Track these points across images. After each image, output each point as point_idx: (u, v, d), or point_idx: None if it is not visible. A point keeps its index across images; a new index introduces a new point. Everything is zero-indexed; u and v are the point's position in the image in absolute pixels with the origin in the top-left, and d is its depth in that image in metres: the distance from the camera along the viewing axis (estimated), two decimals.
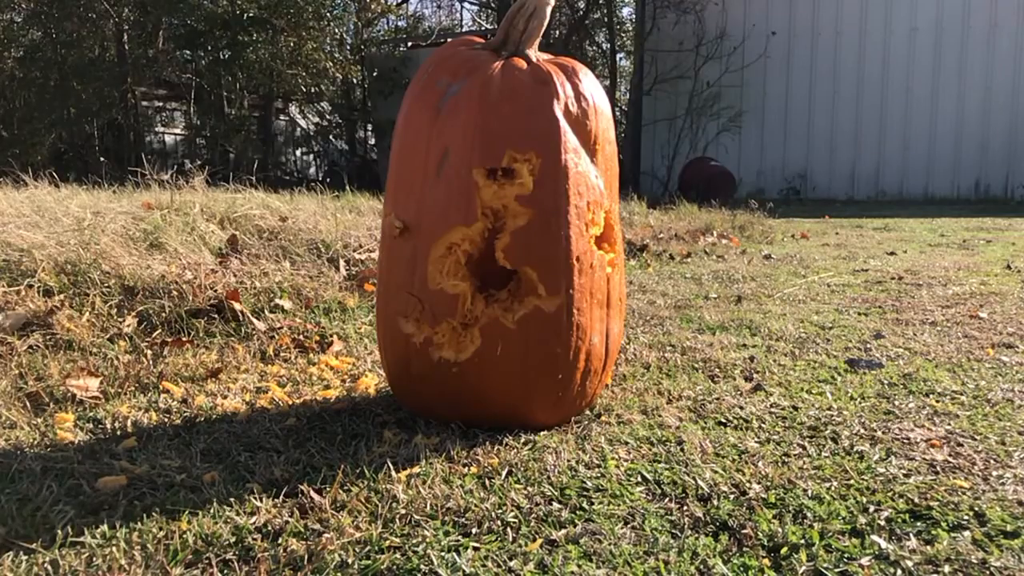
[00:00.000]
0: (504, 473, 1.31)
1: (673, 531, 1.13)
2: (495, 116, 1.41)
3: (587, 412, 1.64)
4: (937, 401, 1.74)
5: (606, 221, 1.53)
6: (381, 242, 1.57)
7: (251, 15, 11.63)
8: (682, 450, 1.43)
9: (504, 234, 1.40)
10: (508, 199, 1.40)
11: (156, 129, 13.42)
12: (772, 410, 1.68)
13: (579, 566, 1.03)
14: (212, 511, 1.16)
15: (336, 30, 12.58)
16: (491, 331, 1.42)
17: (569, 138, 1.44)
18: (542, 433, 1.51)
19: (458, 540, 1.09)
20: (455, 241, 1.41)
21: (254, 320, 2.34)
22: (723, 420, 1.61)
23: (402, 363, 1.52)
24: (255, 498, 1.20)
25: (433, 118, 1.45)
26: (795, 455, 1.41)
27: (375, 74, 14.30)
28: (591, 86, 1.52)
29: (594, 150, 1.50)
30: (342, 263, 3.18)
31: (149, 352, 2.04)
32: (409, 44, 15.68)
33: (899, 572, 1.02)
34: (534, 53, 1.54)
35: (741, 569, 1.03)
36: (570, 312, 1.43)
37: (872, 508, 1.19)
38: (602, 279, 1.50)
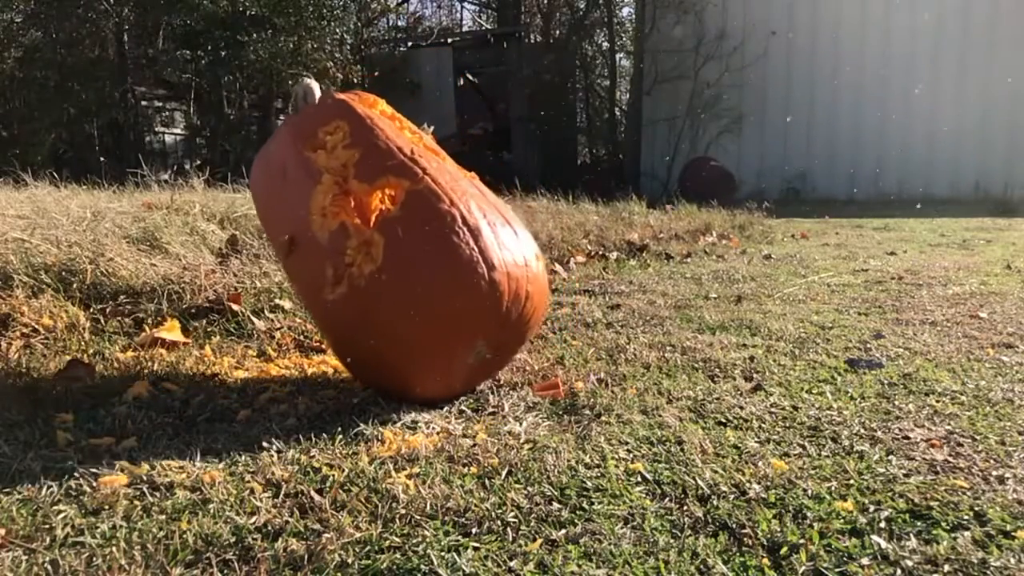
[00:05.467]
0: (504, 473, 1.31)
1: (673, 531, 1.13)
2: (301, 120, 1.87)
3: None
4: (937, 401, 1.74)
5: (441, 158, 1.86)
6: (283, 267, 1.94)
7: (251, 14, 11.60)
8: (682, 450, 1.43)
9: (350, 169, 1.71)
10: (339, 154, 1.74)
11: (156, 129, 13.40)
12: (772, 410, 1.68)
13: (579, 566, 1.03)
14: (212, 511, 1.16)
15: (336, 30, 12.55)
16: (386, 227, 1.62)
17: (363, 109, 1.84)
18: (535, 418, 1.51)
19: (458, 540, 1.09)
20: (323, 204, 1.67)
21: (254, 320, 2.34)
22: (723, 420, 1.61)
23: (341, 330, 1.70)
24: (255, 498, 1.20)
25: (267, 162, 1.91)
26: (795, 455, 1.41)
27: (375, 74, 14.29)
28: (372, 96, 1.93)
29: (397, 127, 1.87)
30: None
31: (149, 352, 2.04)
32: (409, 44, 15.66)
33: (899, 572, 1.02)
34: None
35: (741, 569, 1.03)
36: (438, 184, 1.67)
37: (872, 508, 1.19)
38: (465, 179, 1.78)
